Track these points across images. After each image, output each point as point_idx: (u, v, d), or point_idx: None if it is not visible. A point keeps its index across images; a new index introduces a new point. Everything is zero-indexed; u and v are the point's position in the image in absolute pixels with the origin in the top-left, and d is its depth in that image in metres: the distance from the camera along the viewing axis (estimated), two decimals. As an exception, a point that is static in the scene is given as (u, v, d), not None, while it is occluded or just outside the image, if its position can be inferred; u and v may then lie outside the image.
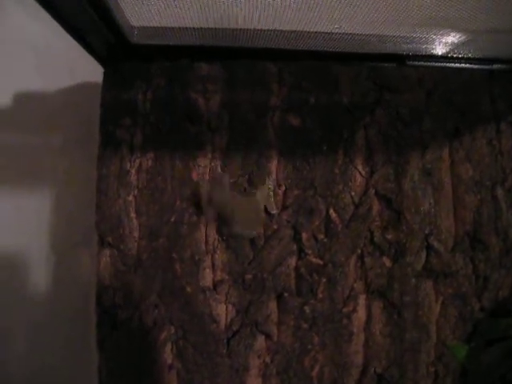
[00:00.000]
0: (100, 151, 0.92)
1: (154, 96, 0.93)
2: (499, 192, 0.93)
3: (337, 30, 0.88)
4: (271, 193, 0.91)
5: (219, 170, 0.92)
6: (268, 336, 0.91)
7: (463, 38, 0.90)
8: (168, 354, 0.91)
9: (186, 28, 0.89)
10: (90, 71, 0.95)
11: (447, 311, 0.92)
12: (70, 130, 1.01)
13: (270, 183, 0.91)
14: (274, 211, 0.91)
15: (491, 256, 0.92)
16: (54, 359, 0.97)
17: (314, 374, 0.91)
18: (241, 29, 0.88)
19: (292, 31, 0.89)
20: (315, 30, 0.88)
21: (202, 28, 0.88)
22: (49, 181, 0.98)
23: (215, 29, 0.88)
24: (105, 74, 0.93)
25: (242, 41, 0.93)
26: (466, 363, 0.91)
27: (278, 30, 0.89)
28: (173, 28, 0.89)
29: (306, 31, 0.89)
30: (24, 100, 0.91)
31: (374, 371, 0.92)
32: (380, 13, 0.82)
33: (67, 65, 0.99)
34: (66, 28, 0.79)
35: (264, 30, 0.89)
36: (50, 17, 0.73)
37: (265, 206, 0.91)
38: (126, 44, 0.90)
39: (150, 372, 0.91)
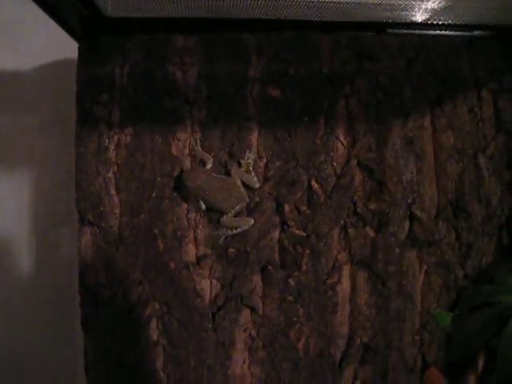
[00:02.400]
0: (77, 129, 0.90)
1: (130, 70, 0.91)
2: (481, 159, 0.93)
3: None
4: (251, 168, 0.89)
5: (199, 144, 0.90)
6: (253, 309, 0.91)
7: (443, 3, 0.89)
8: (153, 330, 0.91)
9: (162, -1, 0.87)
10: (65, 47, 0.93)
11: (431, 279, 0.92)
12: (47, 109, 0.99)
13: (250, 157, 0.90)
14: (256, 185, 0.90)
15: (474, 224, 0.92)
16: (38, 340, 0.97)
17: (299, 346, 0.91)
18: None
19: (270, 0, 0.87)
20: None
21: (178, -1, 0.87)
22: (26, 161, 0.97)
23: (191, 0, 0.87)
24: (80, 49, 0.91)
25: (219, 12, 0.91)
26: (450, 331, 0.91)
27: (255, 0, 0.87)
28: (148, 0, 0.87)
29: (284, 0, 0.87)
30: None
31: (360, 341, 0.92)
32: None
33: (40, 40, 0.96)
34: (39, 3, 0.77)
35: (242, 0, 0.87)
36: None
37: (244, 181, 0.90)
38: (100, 17, 0.88)
39: (136, 349, 0.91)
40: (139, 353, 0.91)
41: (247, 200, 0.90)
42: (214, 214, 0.90)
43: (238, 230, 0.89)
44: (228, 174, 0.90)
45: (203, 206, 0.89)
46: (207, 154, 0.90)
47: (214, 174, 0.89)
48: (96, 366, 0.91)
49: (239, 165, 0.90)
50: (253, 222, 0.89)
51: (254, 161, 0.90)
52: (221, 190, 0.88)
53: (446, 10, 0.90)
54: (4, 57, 0.93)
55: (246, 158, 0.90)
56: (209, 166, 0.89)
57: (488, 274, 0.92)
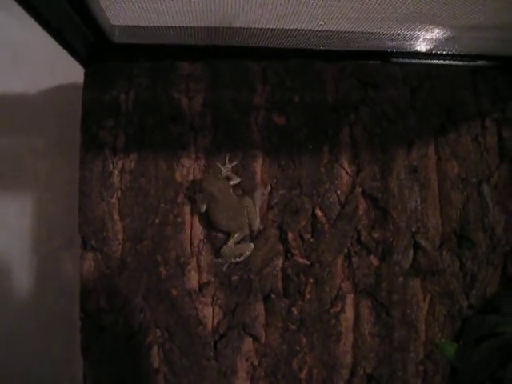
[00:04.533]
0: (82, 153, 0.90)
1: (136, 96, 0.91)
2: (485, 189, 0.93)
3: (320, 28, 0.87)
4: (257, 209, 0.89)
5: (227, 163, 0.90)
6: (255, 338, 0.90)
7: (447, 34, 0.90)
8: (154, 358, 0.90)
9: (168, 27, 0.87)
10: (71, 71, 0.93)
11: (435, 309, 0.92)
12: (51, 132, 0.99)
13: (257, 197, 0.89)
14: (256, 228, 0.89)
15: (478, 253, 0.92)
16: (38, 365, 0.95)
17: (302, 375, 0.90)
18: (223, 27, 0.87)
19: (275, 29, 0.88)
20: (299, 28, 0.88)
21: (183, 27, 0.87)
22: (30, 183, 0.97)
23: (197, 27, 0.87)
24: (86, 74, 0.92)
25: (224, 39, 0.92)
26: (455, 361, 0.90)
27: (261, 29, 0.88)
28: (154, 27, 0.87)
29: (289, 29, 0.88)
30: (2, 101, 0.89)
31: (364, 371, 0.91)
32: (364, 9, 0.81)
33: (47, 65, 0.97)
34: (45, 27, 0.77)
35: (247, 29, 0.88)
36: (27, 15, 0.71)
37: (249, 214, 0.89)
38: (106, 43, 0.88)
39: (137, 376, 0.90)
40: (140, 381, 0.90)
41: (246, 232, 0.89)
42: (217, 241, 0.89)
43: (241, 258, 0.88)
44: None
45: (203, 209, 0.88)
46: (236, 176, 0.90)
47: (231, 192, 0.89)
48: (96, 393, 0.90)
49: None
50: (253, 246, 0.89)
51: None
52: (229, 208, 0.87)
53: (450, 40, 0.91)
54: (9, 79, 0.94)
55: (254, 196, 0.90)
56: (232, 182, 0.89)
57: (493, 304, 0.91)
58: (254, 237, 0.90)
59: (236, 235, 0.89)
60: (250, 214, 0.89)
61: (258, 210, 0.89)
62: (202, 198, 0.88)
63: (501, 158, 0.94)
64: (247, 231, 0.89)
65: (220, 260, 0.89)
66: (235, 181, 0.89)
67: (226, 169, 0.89)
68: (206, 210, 0.88)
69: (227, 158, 0.90)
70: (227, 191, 0.88)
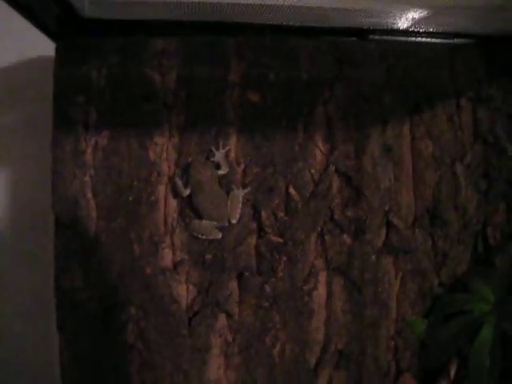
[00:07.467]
0: (54, 131, 0.89)
1: (108, 73, 0.90)
2: (458, 168, 0.93)
3: (297, 3, 0.86)
4: (240, 204, 0.89)
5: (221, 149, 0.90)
6: (229, 315, 0.91)
7: (424, 13, 0.89)
8: (129, 335, 0.90)
9: (140, 1, 0.86)
10: (42, 45, 0.91)
11: (407, 287, 0.93)
12: (22, 109, 0.98)
13: (240, 192, 0.89)
14: (233, 221, 0.89)
15: (450, 232, 0.93)
16: (15, 346, 0.96)
17: (275, 351, 0.92)
18: (198, 2, 0.85)
19: (251, 4, 0.86)
20: (275, 4, 0.86)
21: (156, 2, 0.85)
22: (2, 163, 0.95)
23: (170, 2, 0.85)
24: (57, 50, 0.90)
25: (198, 15, 0.90)
26: (424, 338, 0.92)
27: (236, 4, 0.86)
28: (126, 1, 0.86)
29: (265, 4, 0.86)
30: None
31: (335, 347, 0.92)
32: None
33: (14, 37, 0.94)
34: (11, 3, 0.75)
35: (221, 4, 0.86)
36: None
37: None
38: (77, 18, 0.86)
39: (112, 352, 0.90)
40: (115, 356, 0.91)
41: (225, 223, 0.89)
42: (191, 220, 0.89)
43: (202, 236, 0.89)
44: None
45: (186, 193, 0.88)
46: (227, 163, 0.89)
47: (217, 183, 0.89)
48: (72, 369, 0.90)
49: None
50: (220, 237, 0.89)
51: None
52: (214, 198, 0.88)
53: (427, 19, 0.90)
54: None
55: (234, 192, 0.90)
56: (221, 172, 0.89)
57: (462, 283, 0.93)
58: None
59: (214, 222, 0.89)
60: (232, 208, 0.89)
61: (240, 206, 0.89)
62: (185, 182, 0.88)
63: (475, 137, 0.94)
64: (226, 223, 0.89)
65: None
66: (223, 171, 0.89)
67: (220, 153, 0.89)
68: (189, 195, 0.88)
69: (221, 143, 0.90)
70: (214, 181, 0.88)
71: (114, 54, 0.90)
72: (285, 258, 0.91)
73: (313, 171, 0.91)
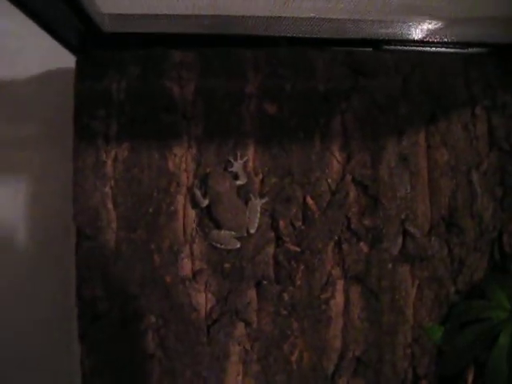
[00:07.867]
0: (75, 143, 0.91)
1: (128, 85, 0.91)
2: (474, 176, 0.94)
3: (313, 15, 0.87)
4: (258, 214, 0.90)
5: (239, 159, 0.91)
6: (247, 323, 0.92)
7: (439, 24, 0.90)
8: (149, 344, 0.92)
9: (159, 15, 0.87)
10: (63, 59, 0.92)
11: (423, 294, 0.94)
12: (43, 121, 0.99)
13: (258, 202, 0.90)
14: (252, 231, 0.91)
15: (466, 239, 0.94)
16: (36, 355, 0.97)
17: (293, 359, 0.93)
18: (216, 15, 0.87)
19: (267, 17, 0.87)
20: (291, 16, 0.88)
21: (175, 15, 0.87)
22: (23, 174, 0.97)
23: (189, 16, 0.87)
24: (77, 63, 0.91)
25: (216, 28, 0.92)
26: (441, 345, 0.93)
27: (253, 17, 0.88)
28: (145, 15, 0.87)
29: (281, 17, 0.88)
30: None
31: (353, 354, 0.93)
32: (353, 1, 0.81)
33: (37, 51, 0.96)
34: (33, 18, 0.76)
35: (239, 17, 0.87)
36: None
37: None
38: (97, 32, 0.88)
39: (132, 361, 0.92)
40: (135, 365, 0.92)
41: (243, 234, 0.90)
42: (210, 230, 0.91)
43: (221, 246, 0.90)
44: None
45: (205, 204, 0.89)
46: (245, 173, 0.91)
47: (235, 193, 0.90)
48: (93, 378, 0.92)
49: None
50: (239, 246, 0.90)
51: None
52: (232, 208, 0.89)
53: (442, 30, 0.91)
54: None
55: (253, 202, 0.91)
56: (239, 182, 0.90)
57: (479, 290, 0.94)
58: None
59: (233, 232, 0.90)
60: (251, 218, 0.90)
61: (258, 216, 0.90)
62: (204, 192, 0.90)
63: (490, 145, 0.95)
64: (244, 233, 0.91)
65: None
66: (242, 181, 0.90)
67: (238, 164, 0.90)
68: (208, 205, 0.90)
69: (238, 154, 0.91)
70: (232, 191, 0.90)
71: (134, 66, 0.92)
72: (302, 267, 0.92)
73: (330, 181, 0.92)
